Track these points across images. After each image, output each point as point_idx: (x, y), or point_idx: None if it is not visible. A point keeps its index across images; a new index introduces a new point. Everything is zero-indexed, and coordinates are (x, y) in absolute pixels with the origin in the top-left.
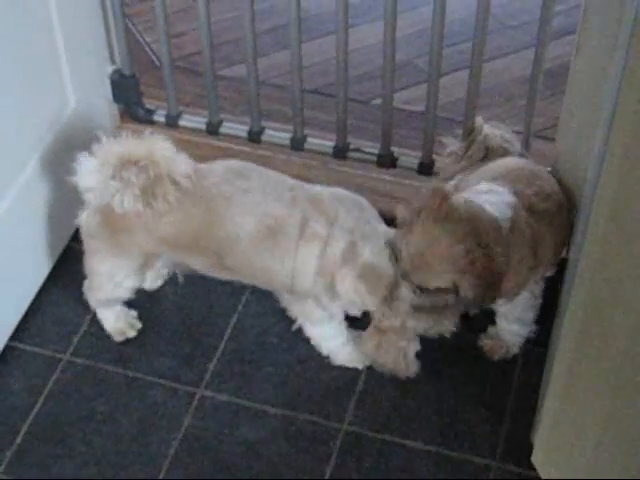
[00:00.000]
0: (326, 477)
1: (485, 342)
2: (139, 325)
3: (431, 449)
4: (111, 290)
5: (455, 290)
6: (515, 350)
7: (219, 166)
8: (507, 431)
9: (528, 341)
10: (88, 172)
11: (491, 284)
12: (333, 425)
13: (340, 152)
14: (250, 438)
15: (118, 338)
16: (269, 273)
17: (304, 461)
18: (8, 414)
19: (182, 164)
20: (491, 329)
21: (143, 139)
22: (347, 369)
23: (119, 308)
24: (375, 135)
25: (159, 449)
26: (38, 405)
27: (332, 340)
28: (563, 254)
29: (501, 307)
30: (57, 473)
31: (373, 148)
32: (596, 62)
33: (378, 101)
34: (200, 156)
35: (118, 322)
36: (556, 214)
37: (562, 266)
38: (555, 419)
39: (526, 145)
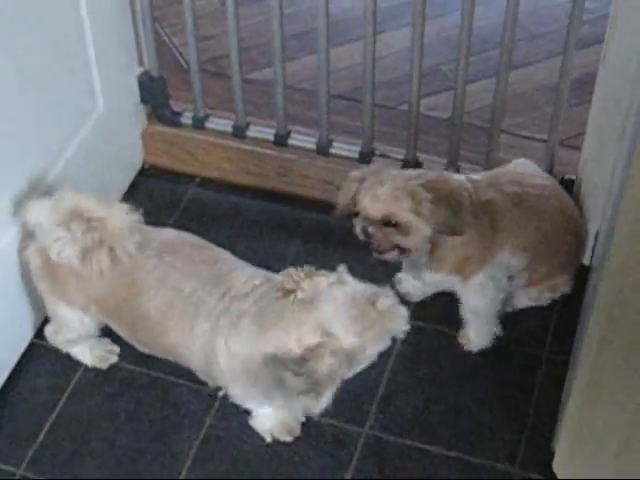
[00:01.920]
0: None
1: (460, 334)
2: (117, 349)
3: (452, 454)
4: (75, 330)
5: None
6: (480, 344)
7: (161, 237)
8: (528, 438)
9: (551, 349)
10: (41, 209)
11: (455, 211)
12: (354, 429)
13: (366, 157)
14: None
15: (103, 365)
16: (183, 352)
17: (325, 464)
18: (31, 411)
19: (129, 242)
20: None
21: (107, 203)
22: (369, 373)
23: (91, 340)
24: (401, 141)
25: (180, 449)
26: (61, 403)
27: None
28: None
29: (460, 290)
30: (78, 471)
31: (398, 154)
32: (623, 71)
33: (404, 107)
34: (226, 159)
35: (95, 351)
36: (543, 214)
37: (583, 277)
38: (577, 427)
39: (552, 153)
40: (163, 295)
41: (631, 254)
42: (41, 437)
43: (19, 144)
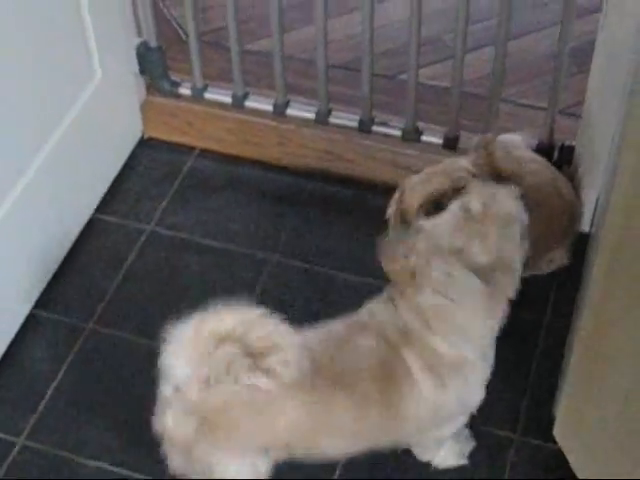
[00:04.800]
0: None
1: None
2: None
3: None
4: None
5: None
6: None
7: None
8: (529, 404)
9: (552, 316)
10: (179, 348)
11: None
12: None
13: (365, 126)
14: None
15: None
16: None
17: None
18: (31, 381)
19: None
20: None
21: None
22: None
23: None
24: (401, 110)
25: None
26: (61, 373)
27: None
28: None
29: None
30: (79, 439)
31: (398, 123)
32: (621, 38)
33: (404, 76)
34: (225, 129)
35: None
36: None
37: (583, 244)
38: (576, 392)
39: (551, 122)
40: None
41: (626, 220)
42: (41, 407)
43: (15, 113)
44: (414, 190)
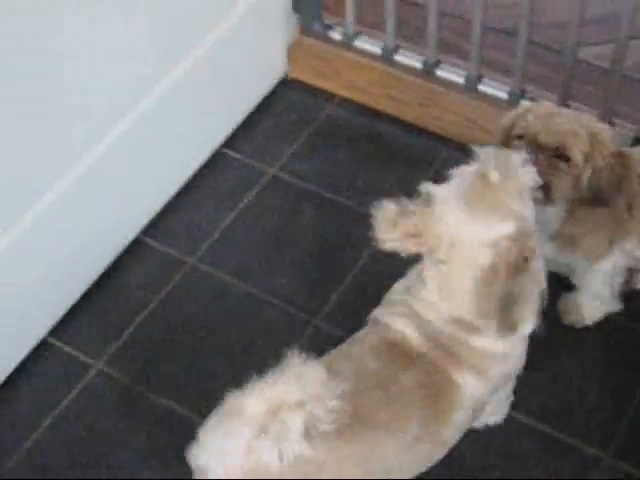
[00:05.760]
0: None
1: (562, 304)
2: None
3: (539, 427)
4: None
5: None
6: (589, 322)
7: None
8: (629, 423)
9: None
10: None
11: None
12: None
13: (515, 98)
14: None
15: None
16: None
17: None
18: (121, 306)
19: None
20: (573, 294)
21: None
22: None
23: None
24: (554, 85)
25: (261, 368)
26: (153, 304)
27: None
28: None
29: (580, 275)
30: (157, 373)
31: (549, 99)
32: None
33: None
34: (370, 81)
35: None
36: None
37: None
38: None
39: None
40: None
41: None
42: (126, 334)
43: (154, 33)
44: (553, 129)
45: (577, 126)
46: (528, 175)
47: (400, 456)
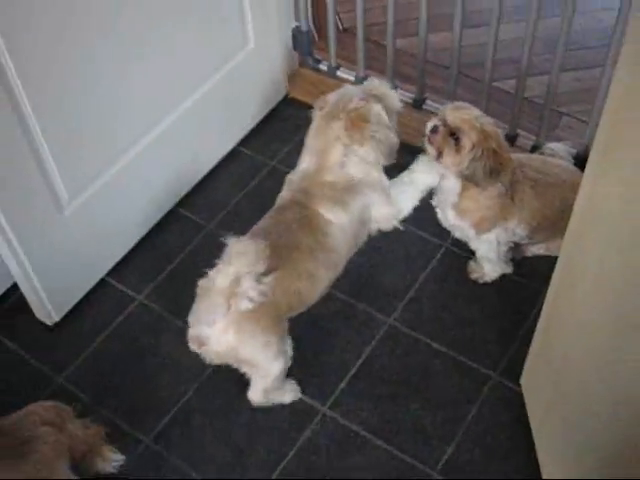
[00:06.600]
0: None
1: (469, 264)
2: None
3: (449, 353)
4: None
5: (458, 139)
6: (487, 279)
7: None
8: (513, 353)
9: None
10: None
11: (497, 172)
12: (381, 317)
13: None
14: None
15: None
16: None
17: (351, 338)
18: (158, 257)
19: None
20: (475, 258)
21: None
22: (405, 278)
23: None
24: (477, 105)
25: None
26: (179, 257)
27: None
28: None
29: (471, 242)
30: (184, 303)
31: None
32: None
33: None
34: None
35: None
36: (552, 197)
37: None
38: (541, 348)
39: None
40: None
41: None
42: (160, 277)
43: (181, 60)
44: (459, 115)
45: (475, 121)
46: (395, 98)
47: (314, 264)
